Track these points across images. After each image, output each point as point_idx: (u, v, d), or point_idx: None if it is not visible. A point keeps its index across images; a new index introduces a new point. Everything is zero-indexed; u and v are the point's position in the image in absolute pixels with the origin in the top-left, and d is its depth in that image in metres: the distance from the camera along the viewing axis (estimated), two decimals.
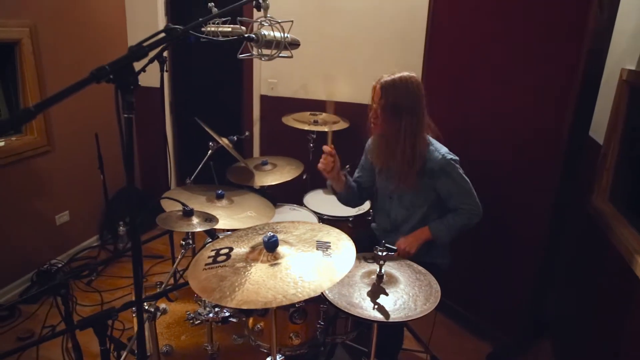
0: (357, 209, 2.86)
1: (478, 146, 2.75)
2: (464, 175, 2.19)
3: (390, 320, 1.56)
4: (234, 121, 3.97)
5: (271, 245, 1.50)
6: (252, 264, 1.49)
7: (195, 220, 1.93)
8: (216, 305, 1.89)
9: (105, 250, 3.84)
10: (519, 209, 2.66)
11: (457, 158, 2.20)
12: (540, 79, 2.46)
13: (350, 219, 2.86)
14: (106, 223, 3.93)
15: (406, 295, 1.67)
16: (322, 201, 3.05)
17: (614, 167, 2.51)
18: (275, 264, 1.47)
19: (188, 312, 1.90)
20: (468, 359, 2.81)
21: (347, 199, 2.47)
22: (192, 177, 2.81)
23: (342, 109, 3.51)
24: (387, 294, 1.67)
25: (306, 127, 3.24)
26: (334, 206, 2.89)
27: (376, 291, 1.68)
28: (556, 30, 2.36)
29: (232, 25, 2.60)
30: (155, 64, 2.26)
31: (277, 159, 3.11)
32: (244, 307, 1.35)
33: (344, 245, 1.54)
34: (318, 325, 1.93)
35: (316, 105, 3.57)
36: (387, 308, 1.60)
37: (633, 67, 2.33)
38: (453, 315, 3.11)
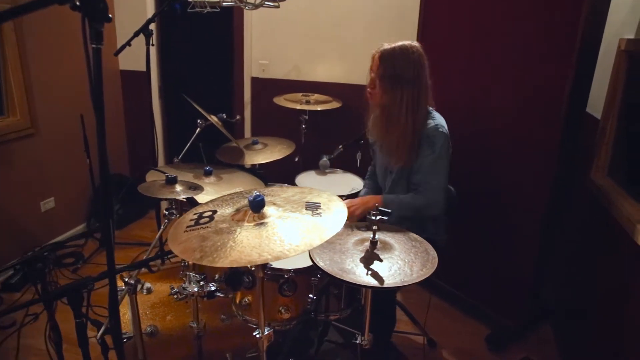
0: (351, 187, 2.77)
1: (475, 122, 2.68)
2: (445, 156, 2.03)
3: (384, 285, 1.47)
4: (225, 104, 3.87)
5: (257, 205, 1.41)
6: (237, 225, 1.40)
7: (178, 188, 1.83)
8: (202, 280, 1.80)
9: (93, 239, 3.73)
10: (518, 188, 2.59)
11: (447, 134, 2.05)
12: (537, 55, 2.40)
13: (344, 199, 2.77)
14: (93, 210, 3.82)
15: (401, 262, 1.58)
16: (315, 181, 2.96)
17: (612, 142, 2.44)
18: (261, 224, 1.38)
19: (172, 287, 1.80)
20: (465, 341, 2.73)
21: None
22: (180, 155, 2.71)
23: (336, 90, 3.43)
24: (381, 260, 1.58)
25: (298, 107, 3.15)
26: (327, 186, 2.80)
27: (370, 258, 1.59)
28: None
29: None
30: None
31: (268, 139, 3.02)
32: (227, 265, 1.26)
33: (335, 206, 1.45)
34: (309, 299, 1.83)
35: (309, 87, 3.49)
36: (381, 274, 1.51)
37: (632, 36, 2.26)
38: (449, 297, 3.03)
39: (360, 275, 1.51)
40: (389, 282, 1.48)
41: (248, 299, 1.77)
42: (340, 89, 3.44)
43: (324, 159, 2.99)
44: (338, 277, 1.50)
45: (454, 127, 2.16)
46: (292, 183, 2.94)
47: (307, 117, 3.29)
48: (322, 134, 3.42)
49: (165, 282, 2.27)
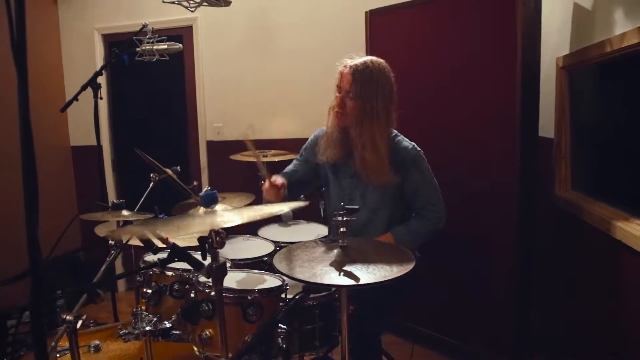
0: (316, 235, 2.64)
1: (433, 163, 2.68)
2: (431, 172, 2.02)
3: (361, 282, 1.32)
4: (182, 172, 3.79)
5: (209, 199, 1.28)
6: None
7: (126, 212, 1.68)
8: (155, 316, 1.60)
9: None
10: (485, 220, 2.58)
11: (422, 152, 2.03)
12: (484, 87, 2.50)
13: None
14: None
15: (377, 261, 1.44)
16: (279, 232, 2.83)
17: (569, 154, 2.47)
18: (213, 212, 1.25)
19: (120, 328, 1.58)
20: None
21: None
22: (136, 209, 2.55)
23: (292, 145, 3.41)
24: (354, 262, 1.44)
25: (255, 160, 3.09)
26: (291, 235, 2.68)
27: (341, 261, 1.45)
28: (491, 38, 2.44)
29: (167, 43, 2.55)
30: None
31: (226, 193, 2.90)
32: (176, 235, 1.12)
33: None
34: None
35: (265, 145, 3.47)
36: (357, 274, 1.37)
37: (567, 52, 2.39)
38: (432, 343, 2.82)
39: (333, 279, 1.36)
40: (367, 279, 1.34)
41: (209, 332, 1.55)
42: (297, 143, 3.42)
43: (286, 211, 2.88)
44: (308, 280, 1.35)
45: None
46: (255, 235, 2.79)
47: (265, 172, 3.23)
48: None
49: (116, 341, 2.00)
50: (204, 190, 1.30)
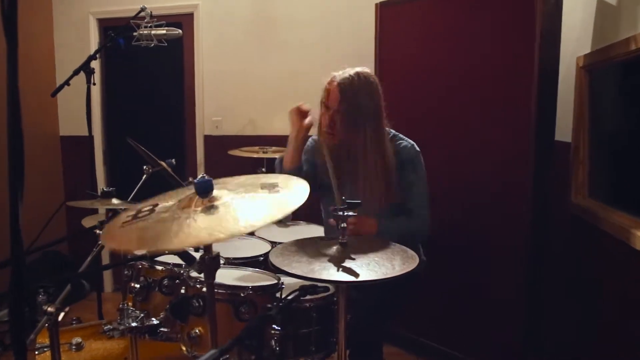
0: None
1: (443, 166, 2.66)
2: (425, 174, 2.01)
3: (361, 279, 1.28)
4: (178, 167, 3.76)
5: (203, 188, 1.25)
6: (182, 212, 1.22)
7: (116, 201, 1.65)
8: (142, 312, 1.56)
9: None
10: (495, 226, 2.55)
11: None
12: (498, 86, 2.48)
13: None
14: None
15: (378, 259, 1.41)
16: (276, 233, 2.79)
17: (588, 160, 2.44)
18: (210, 207, 1.21)
19: (104, 324, 1.54)
20: None
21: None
22: (129, 199, 2.52)
23: None
24: (354, 259, 1.40)
25: (255, 156, 3.08)
26: (289, 236, 2.64)
27: (341, 258, 1.41)
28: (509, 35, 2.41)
29: (167, 28, 2.53)
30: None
31: None
32: (173, 248, 1.08)
33: (294, 183, 1.31)
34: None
35: (266, 141, 3.44)
36: (357, 270, 1.33)
37: (588, 51, 2.36)
38: (436, 356, 2.77)
39: (331, 275, 1.32)
40: (366, 277, 1.30)
41: (199, 330, 1.51)
42: None
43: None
44: (304, 275, 1.31)
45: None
46: (251, 234, 2.76)
47: (264, 169, 3.20)
48: None
49: (99, 340, 1.96)
50: (199, 176, 1.26)
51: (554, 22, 2.36)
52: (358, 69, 1.93)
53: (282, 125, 3.52)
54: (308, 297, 1.63)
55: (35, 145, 3.72)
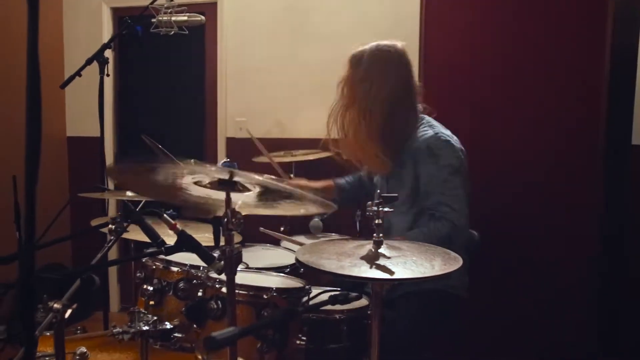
0: None
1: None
2: (458, 168, 2.04)
3: (396, 277, 1.38)
4: None
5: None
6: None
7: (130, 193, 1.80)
8: (155, 316, 1.70)
9: (13, 347, 3.49)
10: (559, 247, 2.62)
11: (454, 143, 2.10)
12: (558, 77, 2.54)
13: None
14: (18, 306, 3.63)
15: (416, 258, 1.50)
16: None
17: None
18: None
19: (113, 326, 1.68)
20: None
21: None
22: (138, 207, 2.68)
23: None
24: (389, 258, 1.50)
25: (281, 160, 3.21)
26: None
27: (375, 256, 1.51)
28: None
29: (188, 14, 2.71)
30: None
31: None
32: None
33: None
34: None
35: (294, 144, 3.56)
36: (392, 268, 1.43)
37: None
38: None
39: (363, 271, 1.42)
40: (402, 275, 1.40)
41: None
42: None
43: (316, 220, 2.95)
44: (332, 271, 1.42)
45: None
46: (277, 245, 2.88)
47: (292, 174, 3.32)
48: None
49: (106, 351, 2.09)
50: (221, 161, 1.39)
51: (634, 4, 2.35)
52: (383, 41, 2.16)
53: (311, 126, 3.64)
54: (339, 307, 1.73)
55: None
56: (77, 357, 1.97)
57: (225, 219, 1.40)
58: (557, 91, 2.56)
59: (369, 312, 1.85)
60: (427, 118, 2.20)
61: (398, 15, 3.38)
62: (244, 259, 2.27)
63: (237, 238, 2.47)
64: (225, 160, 1.38)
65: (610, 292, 2.53)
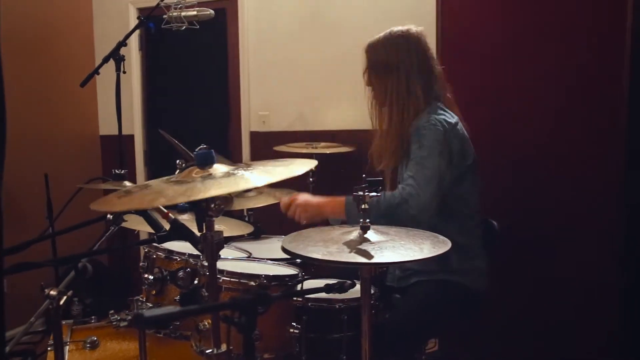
0: None
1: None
2: (436, 152, 1.96)
3: (383, 261, 1.34)
4: None
5: (204, 159, 1.37)
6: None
7: (128, 183, 1.82)
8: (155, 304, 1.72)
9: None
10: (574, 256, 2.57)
11: (443, 129, 2.00)
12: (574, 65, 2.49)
13: None
14: None
15: (404, 242, 1.46)
16: None
17: None
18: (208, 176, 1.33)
19: (111, 313, 1.70)
20: None
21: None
22: None
23: (348, 137, 3.48)
24: (376, 243, 1.46)
25: (304, 151, 3.20)
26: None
27: (361, 242, 1.47)
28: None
29: (197, 8, 2.72)
30: None
31: (263, 188, 3.01)
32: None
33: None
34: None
35: (317, 137, 3.55)
36: (379, 253, 1.39)
37: None
38: None
39: (350, 257, 1.39)
40: (390, 259, 1.36)
41: (207, 323, 1.61)
42: (355, 135, 3.47)
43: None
44: (317, 257, 1.39)
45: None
46: None
47: (314, 168, 3.31)
48: (334, 182, 3.38)
49: (115, 340, 2.13)
50: (198, 148, 1.38)
51: None
52: (395, 28, 2.15)
53: (334, 119, 3.62)
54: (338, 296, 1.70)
55: (73, 144, 4.09)
56: (88, 345, 2.03)
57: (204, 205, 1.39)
58: (579, 75, 2.48)
59: (372, 302, 1.81)
60: (438, 104, 2.12)
61: (416, 4, 3.33)
62: (250, 250, 2.31)
63: (247, 229, 2.51)
64: (201, 146, 1.37)
65: (637, 292, 2.43)
